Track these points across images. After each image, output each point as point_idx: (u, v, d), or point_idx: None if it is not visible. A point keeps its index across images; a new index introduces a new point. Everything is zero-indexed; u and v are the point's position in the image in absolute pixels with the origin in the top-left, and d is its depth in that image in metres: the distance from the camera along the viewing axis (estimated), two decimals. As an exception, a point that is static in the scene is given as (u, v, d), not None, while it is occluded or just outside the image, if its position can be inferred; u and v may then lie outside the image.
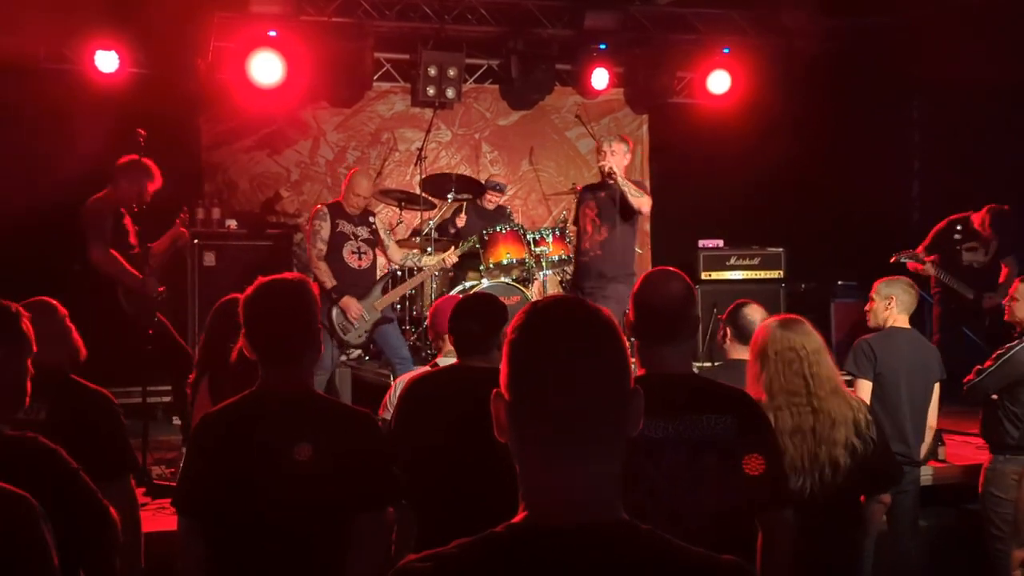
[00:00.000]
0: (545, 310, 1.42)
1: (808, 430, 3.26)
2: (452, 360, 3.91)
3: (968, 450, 5.82)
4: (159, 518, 4.62)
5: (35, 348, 2.52)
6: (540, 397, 1.35)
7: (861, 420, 3.35)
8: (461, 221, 7.98)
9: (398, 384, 4.16)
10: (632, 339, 2.62)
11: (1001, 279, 6.96)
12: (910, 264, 6.96)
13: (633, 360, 3.97)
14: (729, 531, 2.41)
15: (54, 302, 3.45)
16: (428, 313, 4.43)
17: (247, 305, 2.56)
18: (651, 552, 1.32)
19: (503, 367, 1.41)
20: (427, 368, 4.07)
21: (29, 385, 2.51)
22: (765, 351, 3.32)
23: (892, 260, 6.91)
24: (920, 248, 7.10)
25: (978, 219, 7.12)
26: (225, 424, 2.51)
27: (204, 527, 2.46)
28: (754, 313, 4.23)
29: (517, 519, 1.36)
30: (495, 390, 1.42)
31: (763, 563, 2.55)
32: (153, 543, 4.17)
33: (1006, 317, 4.92)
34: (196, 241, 7.44)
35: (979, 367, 4.80)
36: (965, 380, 4.83)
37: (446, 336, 4.05)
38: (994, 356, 4.75)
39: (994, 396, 4.77)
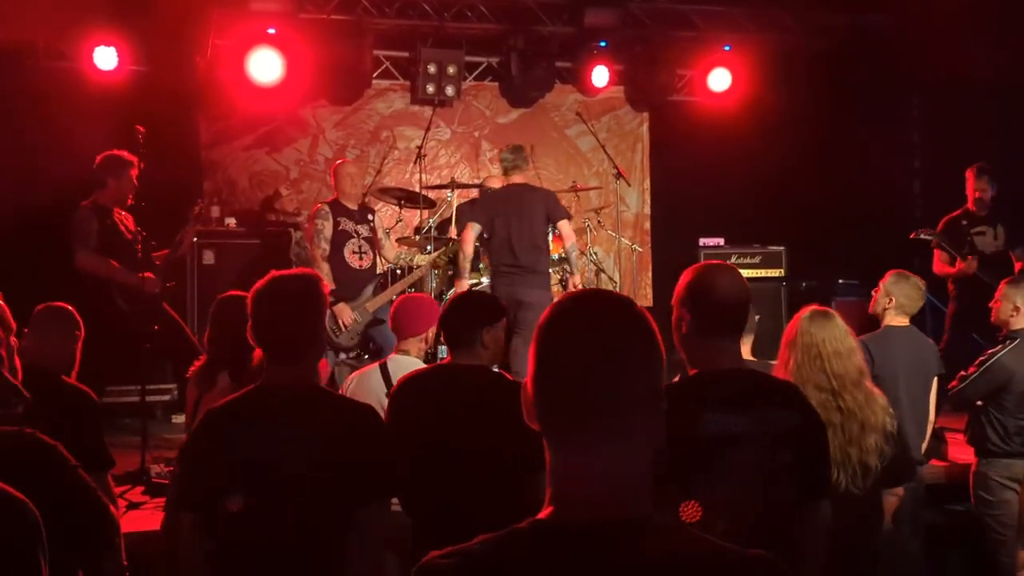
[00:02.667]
0: (577, 303, 1.39)
1: (837, 426, 3.28)
2: (403, 357, 4.05)
3: (971, 449, 5.80)
4: (158, 516, 4.59)
5: (14, 326, 2.55)
6: (566, 391, 1.33)
7: (888, 422, 3.38)
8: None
9: (352, 380, 4.20)
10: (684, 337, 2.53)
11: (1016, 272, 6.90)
12: (940, 267, 6.93)
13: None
14: (780, 525, 2.38)
15: (68, 309, 3.75)
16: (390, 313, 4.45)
17: (255, 298, 2.56)
18: (679, 547, 1.30)
19: (530, 361, 1.38)
20: (374, 365, 4.15)
21: (19, 363, 2.54)
22: (794, 341, 3.38)
23: (912, 236, 6.91)
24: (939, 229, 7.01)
25: (970, 195, 7.04)
26: (228, 419, 2.50)
27: (206, 522, 2.44)
28: None
29: (543, 514, 1.34)
30: (523, 380, 1.40)
31: (798, 553, 2.49)
32: (154, 542, 4.16)
33: (992, 318, 4.87)
34: (196, 239, 7.42)
35: (963, 373, 4.78)
36: (950, 387, 4.81)
37: (407, 338, 4.17)
38: (977, 362, 4.72)
39: (979, 402, 4.76)
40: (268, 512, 2.40)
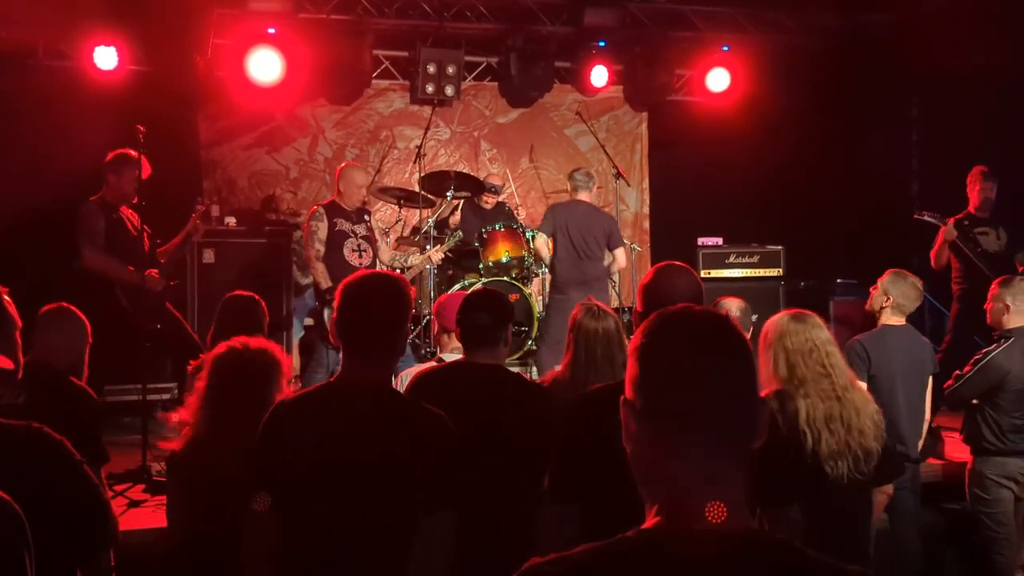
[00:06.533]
0: (681, 318, 1.41)
1: (838, 417, 3.36)
2: (457, 356, 3.92)
3: (967, 447, 5.82)
4: (159, 515, 4.61)
5: (19, 323, 2.59)
6: (678, 401, 1.34)
7: (876, 417, 3.46)
8: (455, 220, 7.97)
9: (403, 378, 4.16)
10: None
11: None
12: (936, 248, 6.92)
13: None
14: None
15: (75, 311, 3.84)
16: (432, 309, 4.43)
17: (343, 295, 2.55)
18: (782, 560, 1.32)
19: (631, 373, 1.39)
20: (432, 364, 4.07)
21: (21, 357, 2.56)
22: (782, 343, 3.41)
23: (915, 217, 6.90)
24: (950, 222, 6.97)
25: (974, 196, 7.05)
26: (301, 413, 2.50)
27: (273, 517, 2.43)
28: (730, 303, 4.25)
29: (648, 524, 1.35)
30: (622, 397, 1.40)
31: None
32: (155, 541, 4.17)
33: (988, 320, 4.89)
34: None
35: (958, 372, 4.79)
36: (946, 385, 4.82)
37: (451, 333, 4.06)
38: (972, 361, 4.74)
39: (975, 401, 4.78)
40: (334, 510, 2.40)
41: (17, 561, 1.86)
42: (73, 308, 3.88)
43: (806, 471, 3.27)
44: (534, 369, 7.32)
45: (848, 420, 3.36)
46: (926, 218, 6.88)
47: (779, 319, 3.50)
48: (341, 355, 2.56)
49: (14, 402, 3.06)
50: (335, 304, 2.58)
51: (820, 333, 3.45)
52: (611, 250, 7.08)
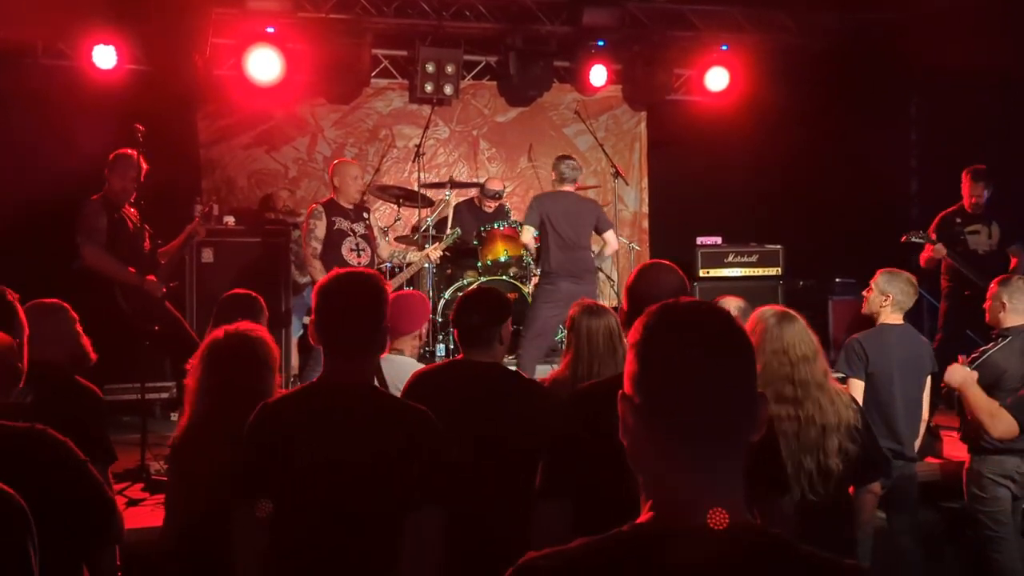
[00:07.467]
0: (679, 312, 1.39)
1: (791, 435, 3.27)
2: (397, 356, 4.07)
3: (965, 446, 5.81)
4: (158, 513, 4.61)
5: (27, 331, 2.59)
6: (676, 397, 1.33)
7: (852, 419, 3.37)
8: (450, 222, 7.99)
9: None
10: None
11: (1011, 269, 6.87)
12: (924, 254, 6.91)
13: None
14: None
15: (65, 304, 3.79)
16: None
17: (320, 294, 2.56)
18: (778, 555, 1.31)
19: (630, 368, 1.38)
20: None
21: (26, 364, 2.56)
22: (760, 346, 3.31)
23: (903, 240, 6.89)
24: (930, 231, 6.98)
25: (965, 198, 7.05)
26: (284, 413, 2.51)
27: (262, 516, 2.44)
28: (728, 303, 4.23)
29: (643, 519, 1.34)
30: (620, 391, 1.39)
31: None
32: (156, 539, 4.16)
33: (987, 319, 4.89)
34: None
35: None
36: (943, 384, 4.82)
37: (401, 335, 4.22)
38: (969, 360, 4.73)
39: None
40: (324, 509, 2.41)
41: (23, 554, 1.87)
42: (50, 301, 3.78)
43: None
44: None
45: (806, 439, 3.28)
46: (913, 240, 6.88)
47: (764, 317, 3.42)
48: (322, 355, 2.56)
49: (21, 402, 3.08)
50: (312, 305, 2.58)
51: (800, 341, 3.35)
52: (600, 234, 6.99)
